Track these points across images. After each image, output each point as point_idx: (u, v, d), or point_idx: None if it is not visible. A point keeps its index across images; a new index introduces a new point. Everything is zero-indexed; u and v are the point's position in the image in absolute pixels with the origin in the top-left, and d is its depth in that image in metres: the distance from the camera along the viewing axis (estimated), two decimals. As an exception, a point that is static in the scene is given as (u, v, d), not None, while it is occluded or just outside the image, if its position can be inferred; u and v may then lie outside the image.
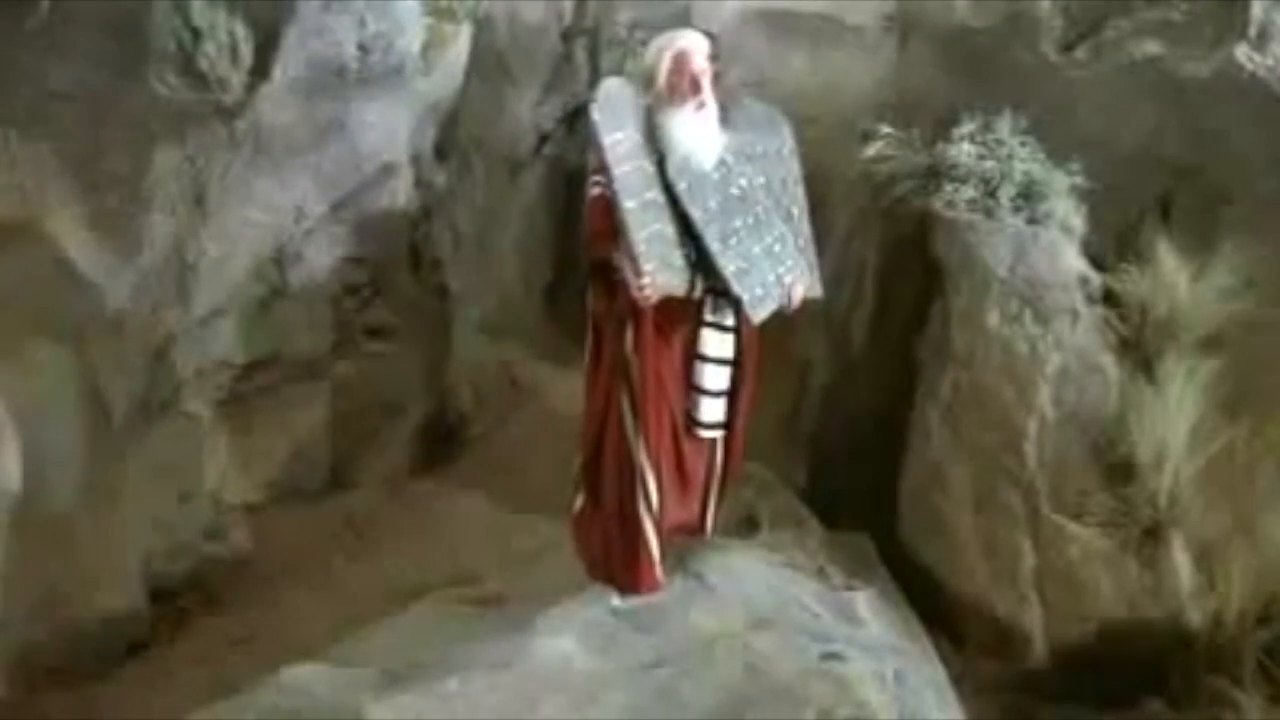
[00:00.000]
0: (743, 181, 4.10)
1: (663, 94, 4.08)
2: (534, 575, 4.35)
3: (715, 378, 4.18)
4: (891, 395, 4.78)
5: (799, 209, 4.20)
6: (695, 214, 4.00)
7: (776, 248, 4.11)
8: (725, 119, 4.13)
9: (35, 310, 4.25)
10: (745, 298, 4.05)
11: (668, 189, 3.99)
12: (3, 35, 4.45)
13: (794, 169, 4.21)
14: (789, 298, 4.15)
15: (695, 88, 4.03)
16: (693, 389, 4.17)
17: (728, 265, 4.02)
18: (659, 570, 4.14)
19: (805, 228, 4.21)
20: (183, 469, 4.62)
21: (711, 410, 4.20)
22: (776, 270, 4.11)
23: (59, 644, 4.13)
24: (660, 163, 3.99)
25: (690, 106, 4.04)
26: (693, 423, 4.18)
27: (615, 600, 4.14)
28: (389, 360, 5.21)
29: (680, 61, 4.05)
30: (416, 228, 5.37)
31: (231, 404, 4.77)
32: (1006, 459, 4.43)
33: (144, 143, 4.48)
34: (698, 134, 4.05)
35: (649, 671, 3.74)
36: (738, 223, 4.07)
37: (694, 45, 4.10)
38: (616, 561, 4.16)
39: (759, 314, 4.10)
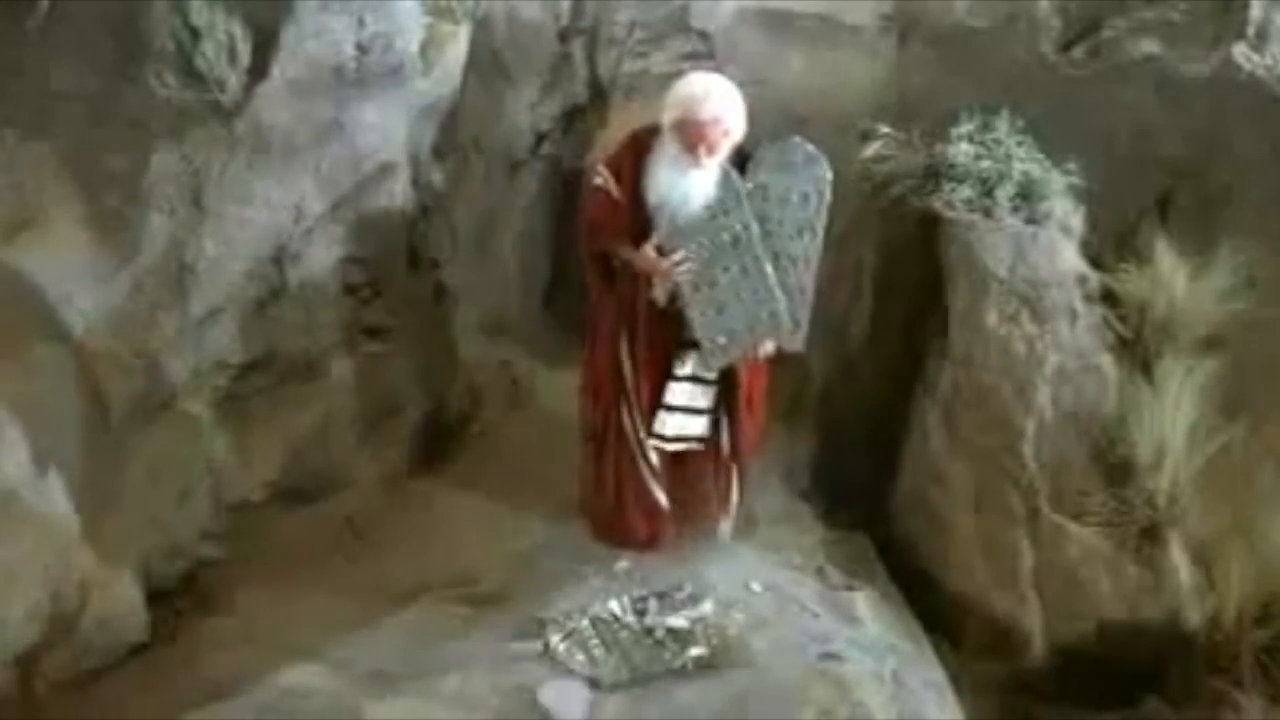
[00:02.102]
0: (738, 226, 4.05)
1: (669, 133, 4.07)
2: (533, 575, 4.35)
3: (680, 394, 4.29)
4: (890, 395, 4.80)
5: (804, 261, 4.07)
6: (674, 252, 4.03)
7: (755, 301, 4.07)
8: (752, 160, 4.10)
9: (34, 310, 4.25)
10: (705, 345, 4.06)
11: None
12: (1, 35, 4.44)
13: (809, 218, 4.05)
14: (755, 349, 4.16)
15: (693, 151, 4.02)
16: (661, 405, 4.29)
17: (695, 309, 4.03)
18: (667, 529, 4.40)
19: (806, 279, 4.10)
20: (181, 469, 4.60)
21: (674, 424, 4.33)
22: (750, 320, 4.08)
23: (57, 644, 4.13)
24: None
25: (684, 159, 4.04)
26: (655, 435, 4.31)
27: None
28: (387, 360, 5.20)
29: (693, 126, 4.02)
30: (415, 227, 5.37)
31: (230, 404, 4.75)
32: (1005, 459, 4.43)
33: (142, 143, 4.47)
34: (683, 180, 4.05)
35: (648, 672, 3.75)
36: (718, 269, 4.04)
37: (718, 116, 4.02)
38: (629, 520, 4.38)
39: (714, 363, 4.11)
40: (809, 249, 4.07)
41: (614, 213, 4.18)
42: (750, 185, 4.05)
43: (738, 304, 4.06)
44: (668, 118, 4.07)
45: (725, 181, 4.04)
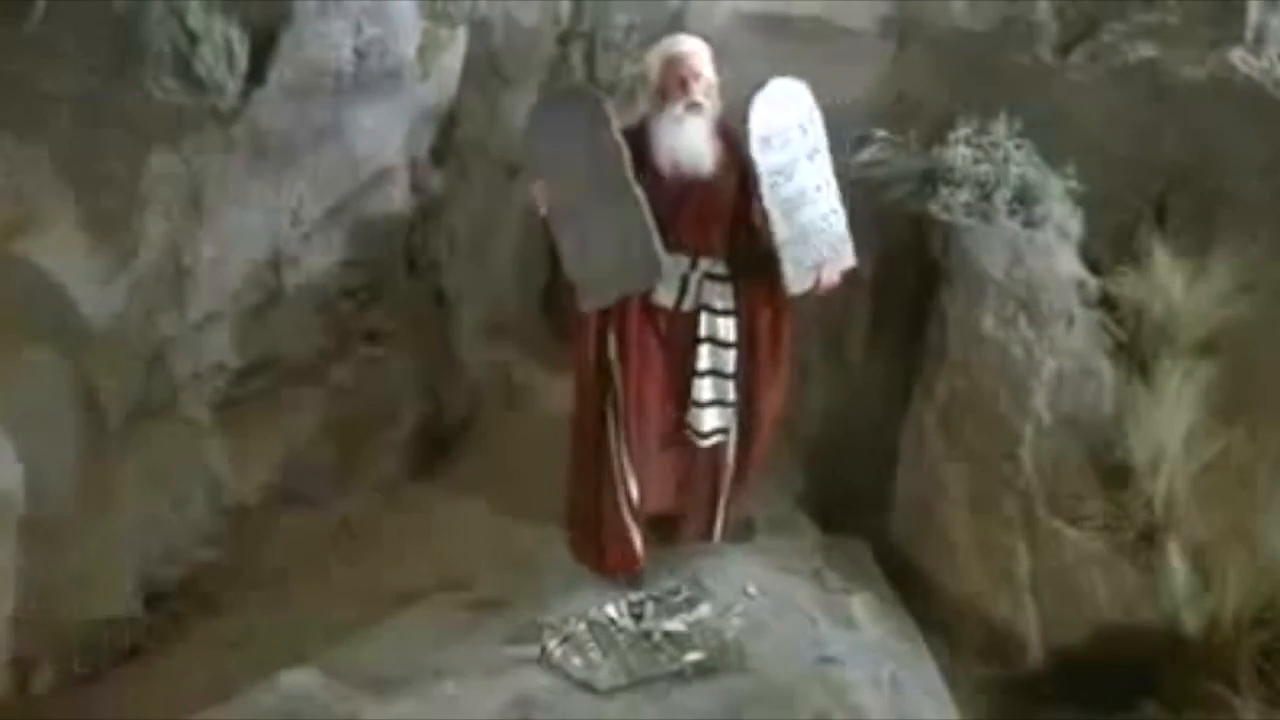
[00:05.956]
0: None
1: (655, 98, 4.09)
2: (530, 579, 4.35)
3: (706, 390, 4.22)
4: (887, 399, 4.79)
5: (826, 182, 4.12)
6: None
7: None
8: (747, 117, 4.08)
9: (31, 314, 4.25)
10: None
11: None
12: (-2, 39, 4.45)
13: (814, 143, 4.10)
14: (818, 280, 4.12)
15: (682, 87, 4.03)
16: (690, 402, 4.21)
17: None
18: (638, 552, 4.24)
19: (833, 199, 4.14)
20: (178, 473, 4.60)
21: (710, 419, 4.24)
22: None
23: (55, 648, 4.14)
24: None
25: (679, 107, 4.05)
26: (693, 433, 4.23)
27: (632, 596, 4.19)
28: (385, 364, 5.20)
29: (672, 64, 4.06)
30: (413, 231, 5.37)
31: (227, 408, 4.75)
32: (1002, 463, 4.43)
33: (140, 146, 4.47)
34: (680, 134, 4.04)
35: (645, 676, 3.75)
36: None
37: (690, 50, 4.10)
38: (604, 544, 4.26)
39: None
40: (826, 169, 4.12)
41: None
42: (757, 140, 4.02)
43: (608, 243, 4.00)
44: (652, 79, 4.13)
45: (600, 117, 4.00)
